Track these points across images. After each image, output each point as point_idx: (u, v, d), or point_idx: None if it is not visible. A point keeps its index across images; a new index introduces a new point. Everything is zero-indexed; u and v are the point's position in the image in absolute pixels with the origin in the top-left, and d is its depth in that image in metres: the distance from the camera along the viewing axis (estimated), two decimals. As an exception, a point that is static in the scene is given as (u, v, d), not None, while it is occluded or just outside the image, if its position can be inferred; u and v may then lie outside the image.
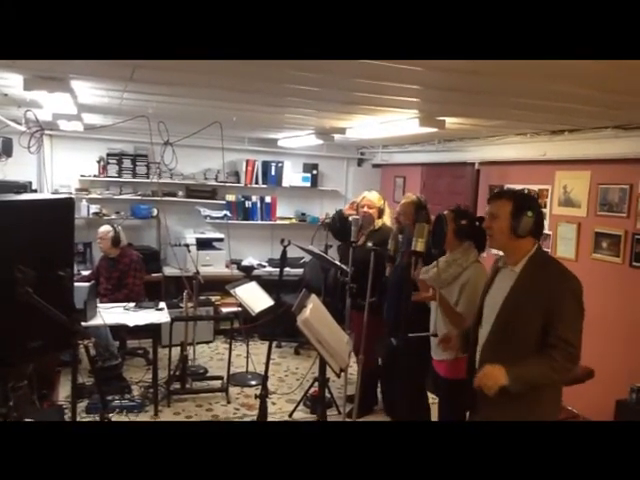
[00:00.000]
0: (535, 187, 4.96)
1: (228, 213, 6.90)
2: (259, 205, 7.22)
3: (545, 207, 4.81)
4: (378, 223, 4.41)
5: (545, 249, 4.63)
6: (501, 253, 2.58)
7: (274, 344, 5.85)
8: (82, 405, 4.34)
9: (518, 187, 5.08)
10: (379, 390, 4.62)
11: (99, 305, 4.66)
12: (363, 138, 5.95)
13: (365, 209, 4.47)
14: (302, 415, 4.59)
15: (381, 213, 4.43)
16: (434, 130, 4.14)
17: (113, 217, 6.38)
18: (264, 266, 7.02)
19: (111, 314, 4.55)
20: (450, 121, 4.12)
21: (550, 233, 4.76)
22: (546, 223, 4.77)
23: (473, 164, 5.66)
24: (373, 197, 4.53)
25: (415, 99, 3.35)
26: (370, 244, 4.15)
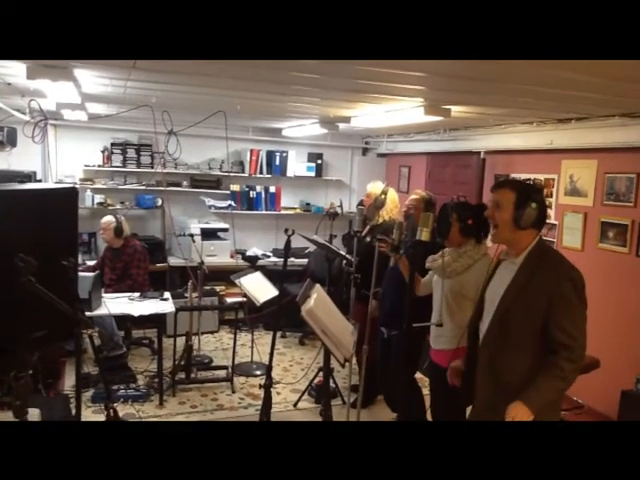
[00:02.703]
0: (541, 176, 4.93)
1: (232, 203, 6.89)
2: (263, 195, 7.21)
3: (551, 197, 4.78)
4: (379, 219, 4.37)
5: (551, 239, 4.66)
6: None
7: (279, 334, 5.86)
8: (87, 394, 4.36)
9: (524, 176, 5.05)
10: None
11: (104, 295, 4.66)
12: (368, 127, 5.92)
13: (364, 198, 4.50)
14: (307, 405, 4.60)
15: (378, 204, 4.36)
16: (439, 119, 4.11)
17: (118, 207, 6.37)
18: (269, 256, 7.01)
19: (116, 304, 4.55)
20: (456, 109, 4.09)
21: (556, 223, 4.73)
22: (552, 213, 4.75)
23: (479, 153, 5.62)
24: (371, 187, 4.54)
25: (420, 87, 3.32)
26: (368, 239, 4.14)
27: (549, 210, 4.74)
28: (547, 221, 4.37)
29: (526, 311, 2.31)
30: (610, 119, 4.04)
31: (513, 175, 5.18)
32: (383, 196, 4.31)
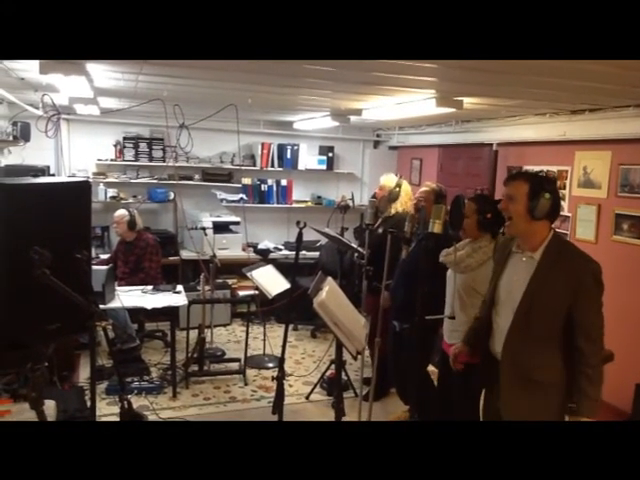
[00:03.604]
0: (554, 168, 4.88)
1: (244, 196, 6.90)
2: (275, 188, 7.20)
3: (564, 188, 4.74)
4: (392, 210, 4.36)
5: (564, 231, 4.63)
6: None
7: (291, 327, 5.87)
8: (102, 387, 4.40)
9: (537, 168, 4.99)
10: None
11: (117, 288, 4.70)
12: (379, 119, 5.89)
13: (377, 190, 4.48)
14: (319, 397, 4.61)
15: (392, 197, 4.35)
16: (451, 110, 4.09)
17: (130, 201, 6.40)
18: (280, 249, 7.02)
19: (129, 297, 4.58)
20: (468, 101, 4.06)
21: (570, 215, 4.70)
22: (565, 205, 4.71)
23: (491, 145, 5.58)
24: (384, 179, 4.51)
25: (432, 79, 3.30)
26: (380, 231, 4.13)
27: (562, 202, 4.71)
28: (560, 213, 4.35)
29: (551, 306, 2.34)
30: (624, 110, 3.99)
31: (526, 167, 5.14)
32: (397, 189, 4.31)
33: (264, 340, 5.38)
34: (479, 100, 4.15)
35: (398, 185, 4.33)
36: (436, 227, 2.88)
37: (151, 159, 6.62)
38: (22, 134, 5.01)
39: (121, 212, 5.34)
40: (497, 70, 2.87)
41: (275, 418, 3.26)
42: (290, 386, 4.77)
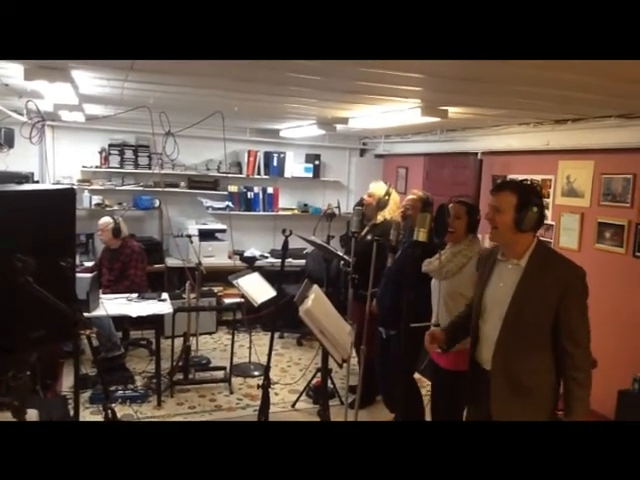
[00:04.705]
0: (538, 177, 4.93)
1: (230, 204, 6.89)
2: (261, 196, 7.20)
3: (548, 197, 4.79)
4: (379, 218, 4.37)
5: (548, 239, 4.67)
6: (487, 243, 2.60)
7: (276, 335, 5.85)
8: (85, 395, 4.36)
9: (521, 177, 5.04)
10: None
11: (102, 296, 4.66)
12: (365, 128, 5.92)
13: (366, 197, 4.49)
14: (305, 405, 4.60)
15: (381, 205, 4.36)
16: (437, 120, 4.12)
17: (115, 208, 6.36)
18: (266, 257, 7.01)
19: (114, 305, 4.55)
20: (453, 111, 4.10)
21: (553, 223, 4.74)
22: (549, 213, 4.75)
23: (476, 154, 5.63)
24: (374, 187, 4.52)
25: (418, 88, 3.32)
26: (369, 237, 4.14)
27: (546, 211, 4.75)
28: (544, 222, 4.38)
29: (539, 311, 2.36)
30: (606, 120, 4.05)
31: (510, 176, 5.18)
32: (387, 197, 4.33)
33: (250, 348, 5.36)
34: (464, 110, 4.19)
35: (388, 194, 4.35)
36: (421, 235, 2.89)
37: (137, 166, 6.59)
38: (6, 140, 4.97)
39: (106, 219, 5.30)
40: (480, 79, 2.90)
41: (260, 426, 3.24)
42: (276, 394, 4.76)
